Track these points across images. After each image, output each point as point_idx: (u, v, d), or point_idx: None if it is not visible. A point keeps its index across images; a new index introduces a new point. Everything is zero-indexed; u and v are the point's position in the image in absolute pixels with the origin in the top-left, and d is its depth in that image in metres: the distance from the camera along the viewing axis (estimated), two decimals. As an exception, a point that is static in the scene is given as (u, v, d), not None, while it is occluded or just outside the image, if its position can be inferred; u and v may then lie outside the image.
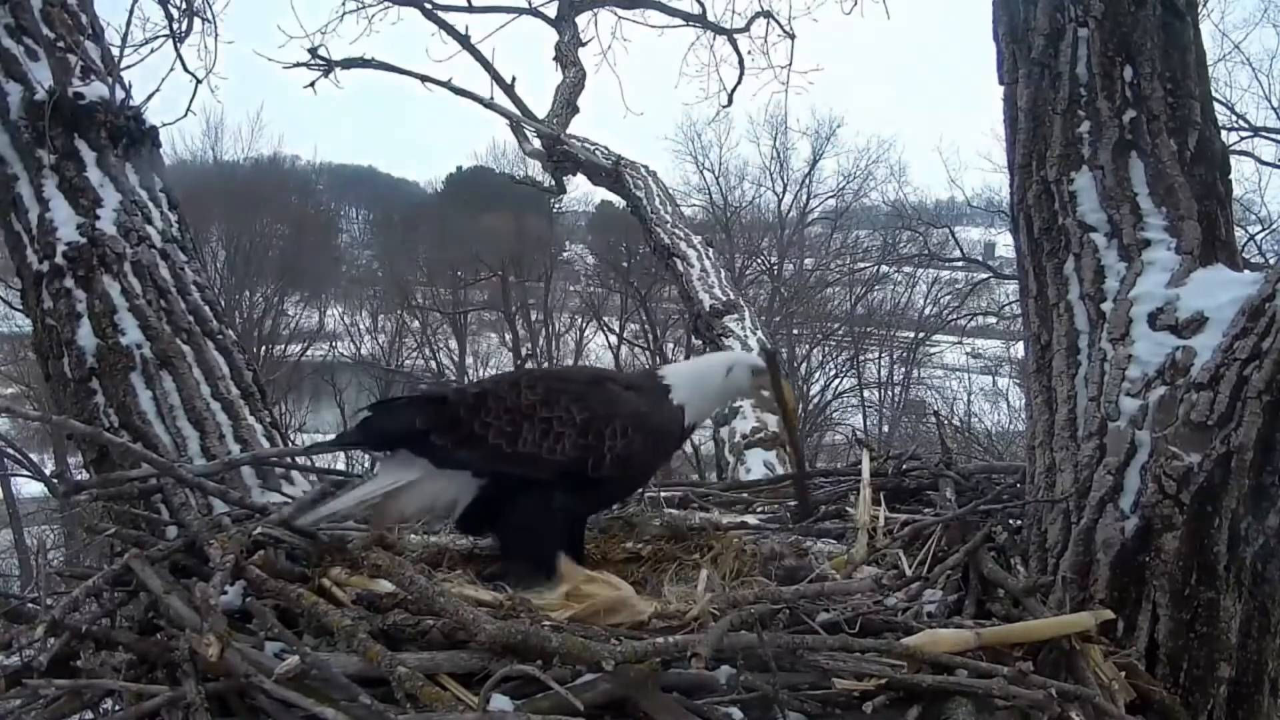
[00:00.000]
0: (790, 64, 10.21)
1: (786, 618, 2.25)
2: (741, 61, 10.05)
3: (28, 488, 16.05)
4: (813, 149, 28.92)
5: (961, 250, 23.75)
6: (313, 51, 7.72)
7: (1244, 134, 12.02)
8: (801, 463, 3.32)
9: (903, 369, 27.99)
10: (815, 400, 26.17)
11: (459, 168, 37.37)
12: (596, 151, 8.04)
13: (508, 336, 30.60)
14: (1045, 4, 2.72)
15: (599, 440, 2.58)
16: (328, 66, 7.78)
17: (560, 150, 8.07)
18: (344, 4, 9.19)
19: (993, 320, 24.86)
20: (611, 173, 7.81)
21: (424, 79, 7.42)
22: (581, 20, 9.51)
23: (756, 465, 5.17)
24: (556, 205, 27.93)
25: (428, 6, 9.04)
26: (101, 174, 3.79)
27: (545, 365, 28.00)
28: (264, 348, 25.58)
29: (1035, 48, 2.74)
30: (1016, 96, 2.80)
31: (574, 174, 8.61)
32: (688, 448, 5.97)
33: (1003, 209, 8.75)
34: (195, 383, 3.64)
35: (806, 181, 29.14)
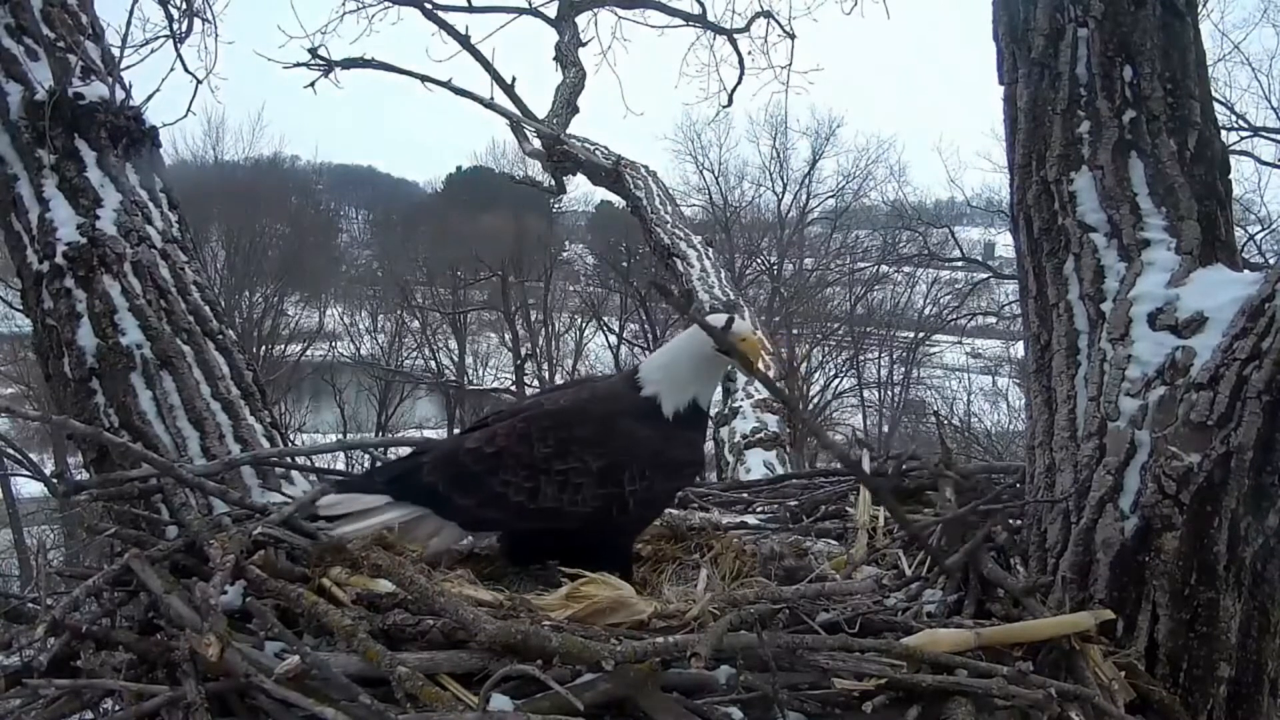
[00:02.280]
0: (790, 64, 10.25)
1: (786, 618, 2.25)
2: (741, 61, 10.07)
3: (28, 488, 16.08)
4: (813, 149, 29.02)
5: (961, 250, 23.81)
6: (313, 51, 7.73)
7: (1244, 134, 12.07)
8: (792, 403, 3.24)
9: (903, 369, 28.02)
10: (815, 400, 26.18)
11: (459, 168, 37.50)
12: (596, 151, 8.05)
13: (507, 336, 30.63)
14: (1045, 4, 2.72)
15: (619, 486, 2.56)
16: (328, 66, 7.78)
17: (560, 150, 8.07)
18: (344, 4, 9.22)
19: (993, 320, 24.90)
20: (611, 173, 7.82)
21: (424, 79, 7.43)
22: (581, 20, 9.53)
23: (756, 465, 5.17)
24: (556, 205, 28.00)
25: (428, 6, 9.04)
26: (101, 174, 3.79)
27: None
28: (264, 348, 25.60)
29: (1035, 48, 2.73)
30: (1016, 96, 2.79)
31: (574, 174, 8.62)
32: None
33: (1003, 209, 8.74)
34: (195, 383, 3.64)
35: (806, 181, 29.23)
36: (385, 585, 2.26)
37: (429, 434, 23.97)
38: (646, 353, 28.42)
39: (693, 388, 2.73)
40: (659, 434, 2.64)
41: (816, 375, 27.13)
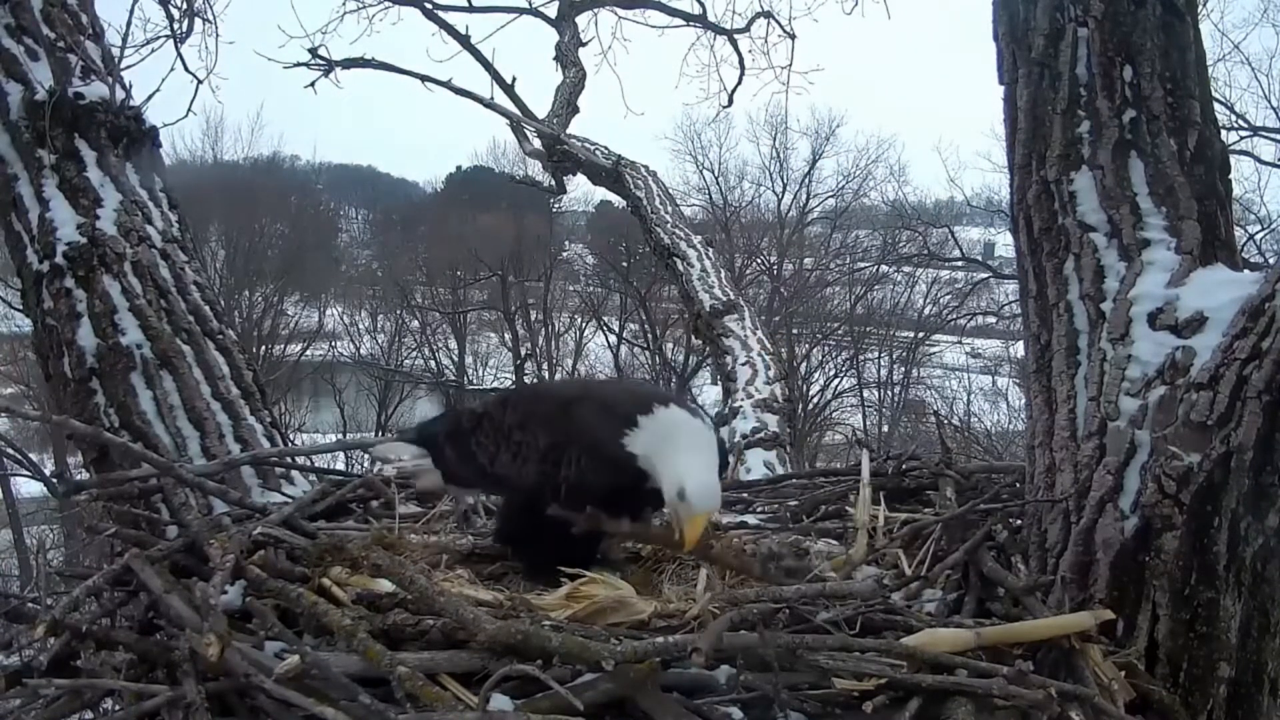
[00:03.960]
0: (790, 64, 10.23)
1: (786, 617, 2.25)
2: (742, 62, 10.07)
3: (28, 488, 16.07)
4: (812, 149, 28.97)
5: (961, 250, 23.78)
6: (313, 51, 7.75)
7: (1244, 134, 12.08)
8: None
9: (902, 369, 28.01)
10: (815, 400, 26.19)
11: (459, 168, 37.45)
12: (596, 151, 8.04)
13: (507, 336, 30.63)
14: (1045, 4, 2.72)
15: (555, 466, 2.54)
16: (328, 66, 7.80)
17: (560, 150, 8.08)
18: (344, 4, 9.21)
19: (992, 320, 24.87)
20: (611, 173, 7.82)
21: (424, 79, 7.45)
22: (582, 20, 9.53)
23: (756, 465, 5.16)
24: (556, 205, 27.99)
25: (428, 6, 9.05)
26: (102, 174, 3.80)
27: (560, 373, 27.78)
28: (264, 348, 25.58)
29: (1035, 48, 2.73)
30: (1016, 96, 2.79)
31: (574, 174, 8.62)
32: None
33: (1002, 209, 8.75)
34: (195, 383, 3.64)
35: (806, 181, 29.20)
36: (385, 585, 2.26)
37: (429, 434, 23.87)
38: (646, 352, 28.43)
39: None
40: (608, 429, 2.50)
41: (816, 375, 27.14)
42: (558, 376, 29.29)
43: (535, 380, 28.80)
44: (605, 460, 2.50)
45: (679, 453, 2.47)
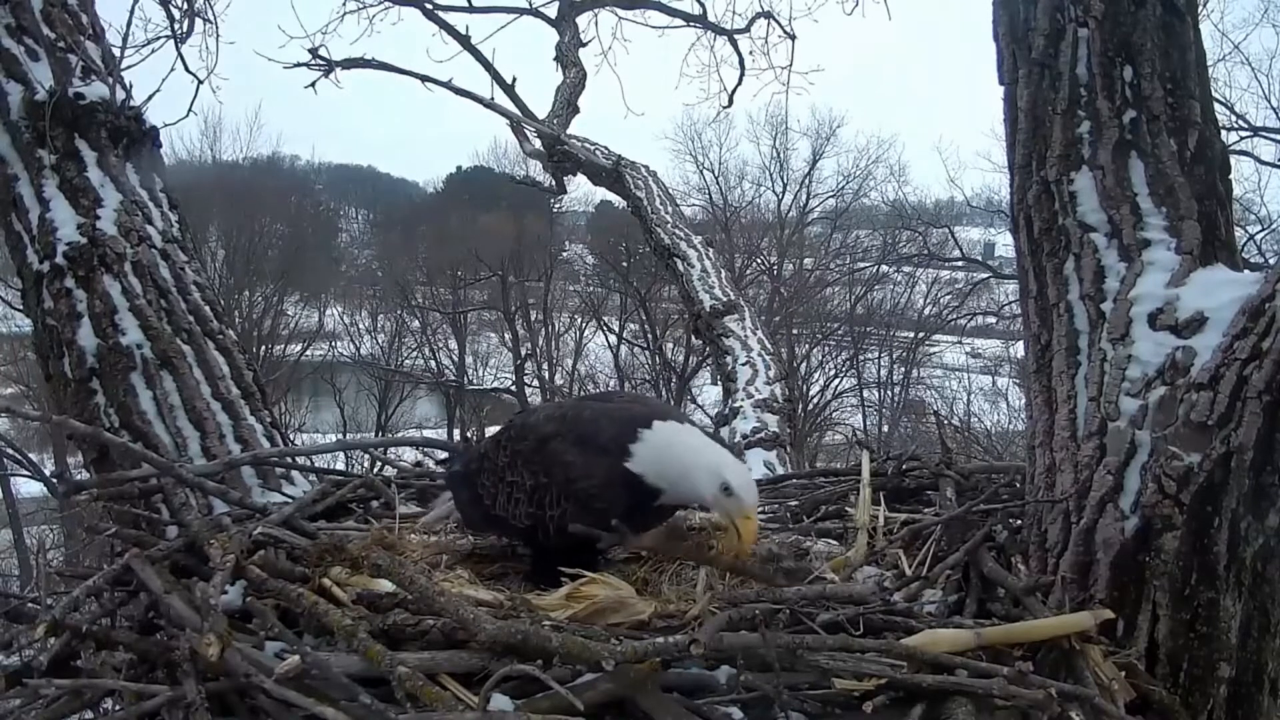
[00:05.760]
0: (791, 64, 10.24)
1: (787, 617, 2.25)
2: (742, 62, 10.06)
3: (28, 488, 16.09)
4: (813, 149, 28.98)
5: (961, 250, 23.80)
6: (313, 51, 7.76)
7: (1244, 134, 12.08)
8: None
9: (902, 369, 28.01)
10: (815, 400, 26.18)
11: (459, 168, 37.52)
12: (596, 151, 8.05)
13: (507, 336, 30.62)
14: (1045, 4, 2.71)
15: (541, 509, 2.55)
16: (328, 66, 7.80)
17: (560, 150, 8.08)
18: (344, 4, 9.21)
19: (992, 320, 24.89)
20: (611, 173, 7.82)
21: (424, 79, 7.45)
22: (582, 20, 9.54)
23: (757, 465, 5.16)
24: (556, 205, 27.98)
25: (428, 6, 9.05)
26: (102, 174, 3.80)
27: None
28: (264, 348, 25.59)
29: (1035, 48, 2.73)
30: (1016, 96, 2.79)
31: (574, 174, 8.62)
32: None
33: (1003, 209, 8.74)
34: (195, 383, 3.64)
35: (806, 181, 29.20)
36: (385, 585, 2.26)
37: (429, 434, 23.98)
38: (646, 352, 28.40)
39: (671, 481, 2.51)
40: (583, 465, 2.51)
41: (816, 375, 27.14)
42: (558, 377, 29.29)
43: (535, 382, 28.82)
44: (581, 499, 2.50)
45: (702, 451, 2.44)
